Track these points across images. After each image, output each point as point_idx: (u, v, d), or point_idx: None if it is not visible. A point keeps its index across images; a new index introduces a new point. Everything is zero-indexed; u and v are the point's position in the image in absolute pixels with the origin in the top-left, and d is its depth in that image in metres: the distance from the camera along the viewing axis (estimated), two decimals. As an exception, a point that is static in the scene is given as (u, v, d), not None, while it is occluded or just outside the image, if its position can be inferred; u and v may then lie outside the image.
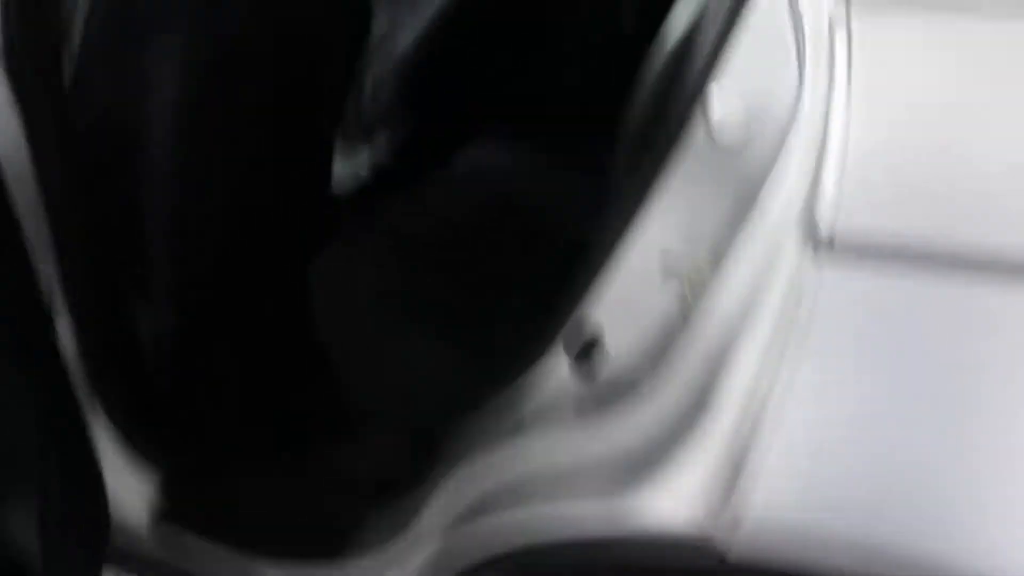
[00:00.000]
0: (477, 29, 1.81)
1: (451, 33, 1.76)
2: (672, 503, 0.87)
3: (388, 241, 1.55)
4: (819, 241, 0.79)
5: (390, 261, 1.52)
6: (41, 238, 0.96)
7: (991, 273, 0.79)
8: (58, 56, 1.05)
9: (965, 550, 0.80)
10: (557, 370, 0.93)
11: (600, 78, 1.53)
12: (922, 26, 0.83)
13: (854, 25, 0.80)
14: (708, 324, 0.85)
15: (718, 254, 0.84)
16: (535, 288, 1.14)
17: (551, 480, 0.94)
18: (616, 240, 0.88)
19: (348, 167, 1.69)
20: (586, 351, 0.92)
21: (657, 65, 1.11)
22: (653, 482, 0.87)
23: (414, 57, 1.74)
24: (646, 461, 0.88)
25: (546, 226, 1.52)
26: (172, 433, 1.21)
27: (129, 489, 1.12)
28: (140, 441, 1.12)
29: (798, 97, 0.80)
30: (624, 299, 0.90)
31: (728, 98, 0.82)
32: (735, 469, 0.84)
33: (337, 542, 1.12)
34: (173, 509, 1.15)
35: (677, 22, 1.10)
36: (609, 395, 0.91)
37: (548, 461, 0.95)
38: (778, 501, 0.84)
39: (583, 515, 0.92)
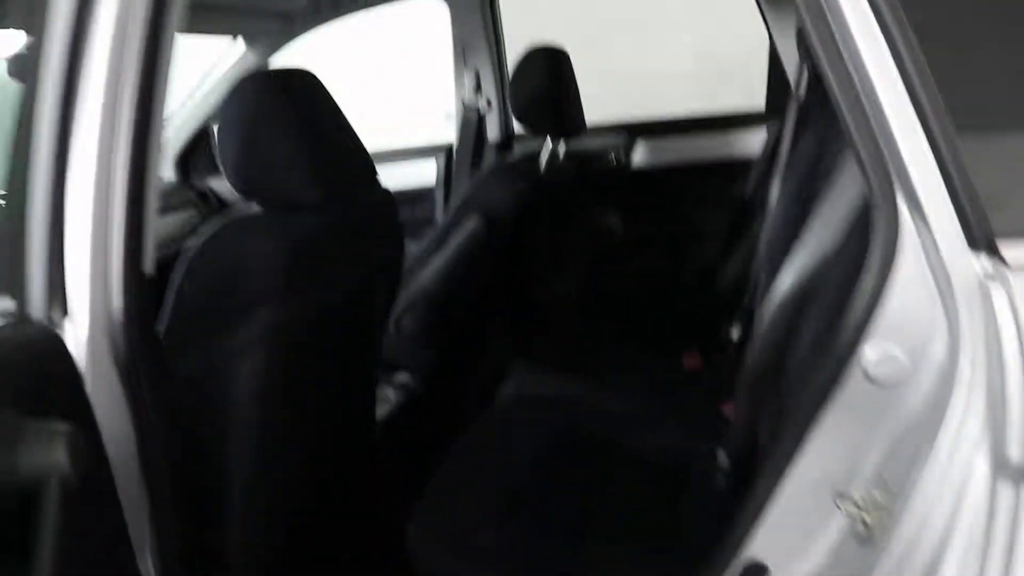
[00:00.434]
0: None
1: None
2: None
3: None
4: (1012, 466, 0.83)
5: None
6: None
7: None
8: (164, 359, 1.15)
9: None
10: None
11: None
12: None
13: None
14: (897, 552, 0.91)
15: (896, 485, 0.92)
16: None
17: None
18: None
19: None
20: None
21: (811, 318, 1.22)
22: None
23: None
24: None
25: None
26: None
27: None
28: None
29: (952, 341, 0.88)
30: (792, 533, 0.99)
31: (883, 343, 0.92)
32: None
33: None
34: None
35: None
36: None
37: None
38: None
39: None
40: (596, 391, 1.93)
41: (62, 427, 0.83)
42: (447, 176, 2.95)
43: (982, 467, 0.86)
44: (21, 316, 0.98)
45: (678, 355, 2.22)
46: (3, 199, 1.01)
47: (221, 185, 2.72)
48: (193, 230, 2.47)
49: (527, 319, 2.62)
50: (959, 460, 0.87)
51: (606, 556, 1.41)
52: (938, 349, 0.91)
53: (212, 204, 2.73)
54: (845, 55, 0.90)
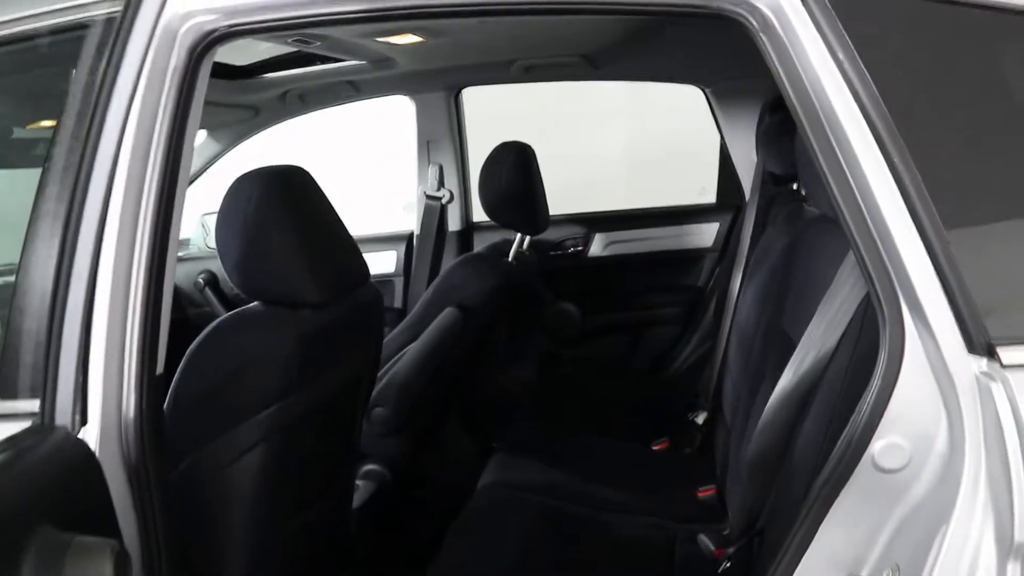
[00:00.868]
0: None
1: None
2: None
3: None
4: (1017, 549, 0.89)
5: None
6: None
7: None
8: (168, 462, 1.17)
9: None
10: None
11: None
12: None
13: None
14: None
15: (906, 565, 0.98)
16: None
17: None
18: None
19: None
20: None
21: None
22: None
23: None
24: None
25: None
26: None
27: None
28: None
29: (954, 434, 0.96)
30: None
31: (889, 435, 1.00)
32: None
33: None
34: None
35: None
36: None
37: None
38: None
39: None
40: (575, 476, 1.95)
41: (108, 543, 0.81)
42: (407, 264, 2.99)
43: (989, 548, 0.92)
44: (44, 421, 0.97)
45: (645, 440, 2.27)
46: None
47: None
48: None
49: (493, 405, 2.64)
50: (968, 541, 0.93)
51: None
52: (941, 440, 0.98)
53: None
54: (847, 173, 0.99)
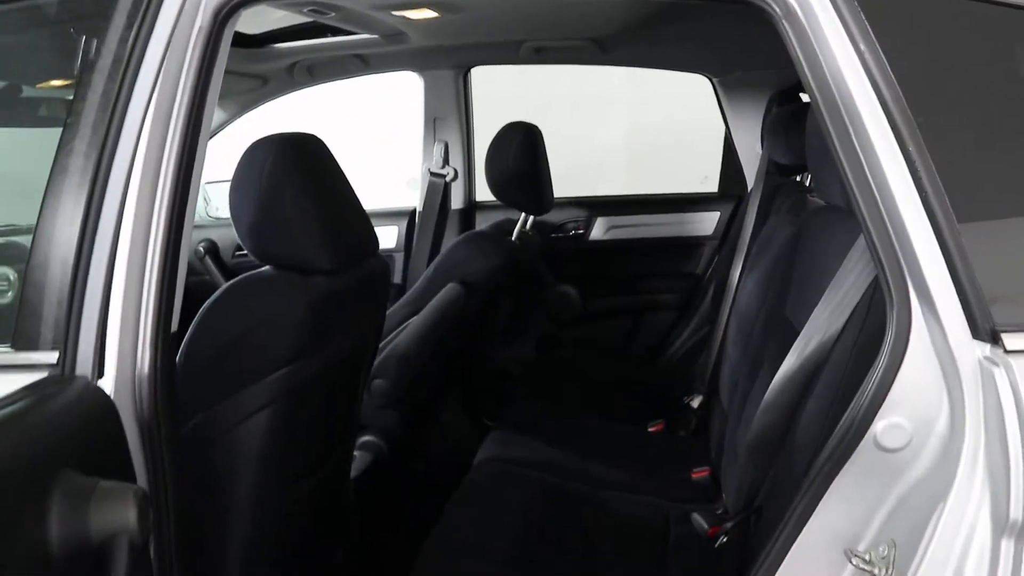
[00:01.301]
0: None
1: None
2: None
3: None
4: (1012, 526, 0.93)
5: None
6: None
7: None
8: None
9: None
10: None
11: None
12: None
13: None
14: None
15: (903, 541, 1.01)
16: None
17: None
18: None
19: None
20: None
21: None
22: None
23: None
24: None
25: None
26: None
27: None
28: None
29: (955, 416, 1.00)
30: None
31: (891, 415, 1.03)
32: None
33: None
34: None
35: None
36: None
37: None
38: None
39: None
40: (573, 454, 1.98)
41: (131, 487, 0.83)
42: (408, 240, 3.01)
43: (984, 525, 0.95)
44: (64, 372, 0.99)
45: (642, 422, 2.30)
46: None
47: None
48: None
49: (492, 384, 2.66)
50: (964, 519, 0.96)
51: None
52: (942, 422, 1.02)
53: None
54: (863, 160, 1.01)
